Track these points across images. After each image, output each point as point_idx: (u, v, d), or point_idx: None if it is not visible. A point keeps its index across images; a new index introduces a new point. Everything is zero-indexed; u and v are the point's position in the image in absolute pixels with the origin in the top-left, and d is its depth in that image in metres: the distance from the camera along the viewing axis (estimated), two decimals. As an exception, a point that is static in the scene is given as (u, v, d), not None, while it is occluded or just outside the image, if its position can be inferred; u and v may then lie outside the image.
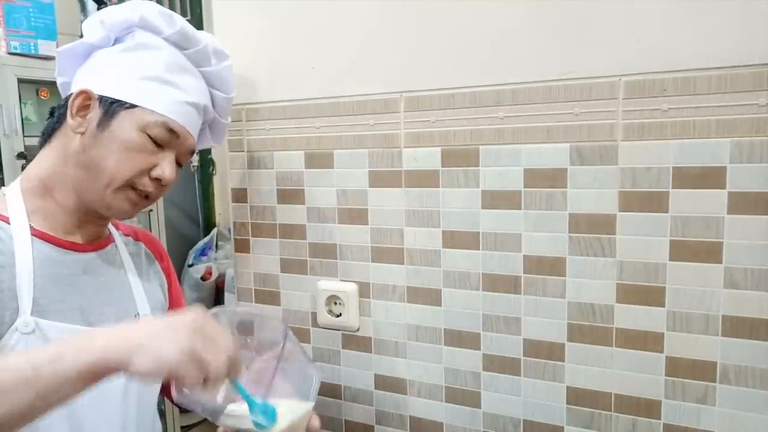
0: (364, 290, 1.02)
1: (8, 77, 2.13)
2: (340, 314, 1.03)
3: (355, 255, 1.02)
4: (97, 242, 0.87)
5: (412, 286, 0.98)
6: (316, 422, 0.80)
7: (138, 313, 0.87)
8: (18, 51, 2.19)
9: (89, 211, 0.82)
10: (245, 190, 1.11)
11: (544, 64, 0.84)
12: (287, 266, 1.09)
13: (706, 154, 0.76)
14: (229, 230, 1.21)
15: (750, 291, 0.76)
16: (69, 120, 0.80)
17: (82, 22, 2.48)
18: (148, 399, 0.88)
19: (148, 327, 0.59)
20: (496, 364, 0.93)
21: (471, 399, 0.95)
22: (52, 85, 2.53)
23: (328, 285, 1.04)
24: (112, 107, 0.79)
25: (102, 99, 0.79)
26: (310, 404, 0.77)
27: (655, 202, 0.80)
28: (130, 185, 0.80)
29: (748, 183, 0.75)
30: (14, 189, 0.82)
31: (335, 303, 1.04)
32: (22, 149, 2.18)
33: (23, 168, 2.20)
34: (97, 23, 0.83)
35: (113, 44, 0.83)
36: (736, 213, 0.76)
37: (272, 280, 1.10)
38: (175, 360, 0.55)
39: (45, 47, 2.28)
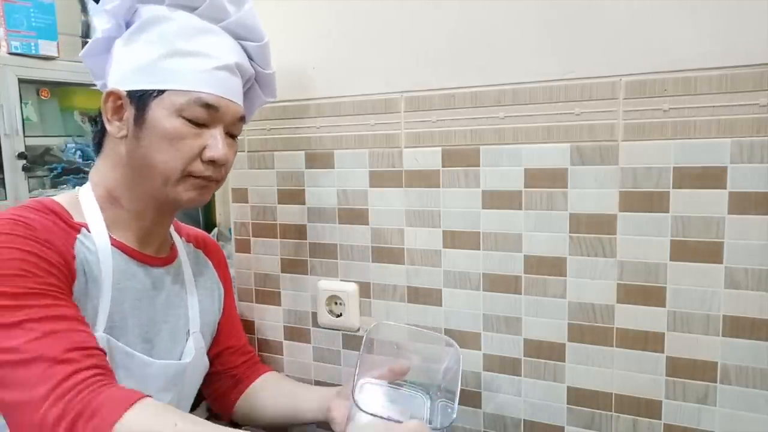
0: (364, 290, 1.02)
1: (9, 77, 2.13)
2: (341, 314, 1.03)
3: (355, 255, 1.02)
4: (167, 255, 0.85)
5: (413, 286, 0.98)
6: None
7: (189, 330, 0.86)
8: (19, 51, 2.19)
9: (161, 209, 0.80)
10: (245, 190, 1.11)
11: (544, 64, 0.84)
12: (287, 266, 1.09)
13: (706, 154, 0.76)
14: (230, 230, 1.21)
15: (751, 291, 0.76)
16: (107, 126, 0.77)
17: (82, 22, 2.48)
18: (186, 404, 0.88)
19: None
20: (497, 364, 0.93)
21: (471, 399, 0.95)
22: (52, 85, 2.55)
23: (328, 285, 1.04)
24: (141, 100, 0.74)
25: (130, 95, 0.75)
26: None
27: (656, 202, 0.80)
28: (188, 174, 0.76)
29: (749, 183, 0.75)
30: (87, 194, 0.79)
31: (336, 303, 1.04)
32: (23, 149, 2.18)
33: (23, 168, 2.21)
34: (101, 13, 0.78)
35: (126, 30, 0.77)
36: (737, 213, 0.76)
37: (272, 280, 1.10)
38: None
39: (46, 47, 2.28)
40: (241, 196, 1.11)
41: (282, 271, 1.09)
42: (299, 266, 1.07)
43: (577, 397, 0.88)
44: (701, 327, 0.79)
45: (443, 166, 0.93)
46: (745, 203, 0.75)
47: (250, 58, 0.84)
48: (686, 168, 0.78)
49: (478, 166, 0.90)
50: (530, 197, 0.87)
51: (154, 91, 0.73)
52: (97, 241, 0.75)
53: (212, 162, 0.76)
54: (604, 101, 0.81)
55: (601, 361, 0.85)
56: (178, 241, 0.90)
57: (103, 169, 0.80)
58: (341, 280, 1.04)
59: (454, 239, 0.93)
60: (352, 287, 1.02)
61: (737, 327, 0.77)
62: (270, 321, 1.12)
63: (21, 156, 2.19)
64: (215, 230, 2.80)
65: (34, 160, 2.25)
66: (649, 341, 0.82)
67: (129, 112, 0.75)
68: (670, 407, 0.82)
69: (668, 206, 0.79)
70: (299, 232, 1.06)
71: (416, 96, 0.93)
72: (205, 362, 0.91)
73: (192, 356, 0.85)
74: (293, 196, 1.06)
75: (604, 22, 0.80)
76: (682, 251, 0.79)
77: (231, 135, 0.80)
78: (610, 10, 0.79)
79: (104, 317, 0.73)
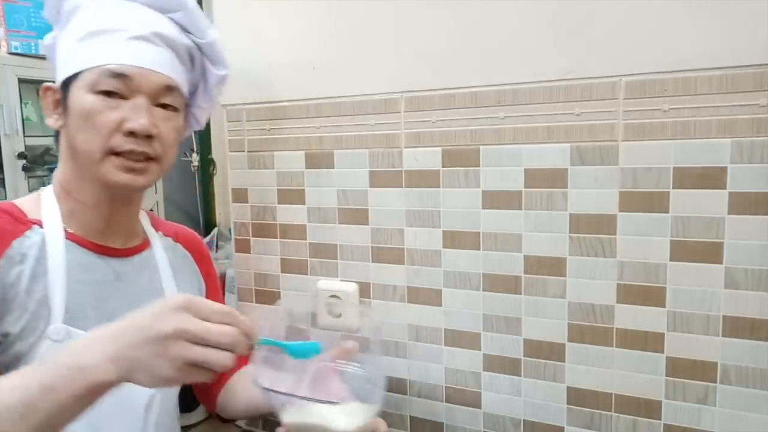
0: (364, 290, 1.02)
1: (9, 77, 2.13)
2: (341, 314, 1.03)
3: (355, 255, 1.02)
4: (133, 246, 0.84)
5: (413, 287, 0.98)
6: (381, 426, 0.74)
7: None
8: (19, 51, 2.19)
9: (108, 197, 0.79)
10: (245, 190, 1.11)
11: (544, 64, 0.84)
12: (287, 266, 1.09)
13: (706, 154, 0.76)
14: (230, 230, 1.21)
15: (750, 291, 0.76)
16: (47, 120, 0.78)
17: (82, 22, 2.48)
18: (169, 403, 0.86)
19: (130, 337, 0.54)
20: (497, 364, 0.93)
21: (471, 399, 0.95)
22: (52, 85, 2.51)
23: (328, 285, 1.04)
24: (66, 88, 0.75)
25: (62, 86, 0.76)
26: (375, 407, 0.73)
27: (656, 203, 0.80)
28: (110, 152, 0.74)
29: (749, 183, 0.75)
30: (49, 192, 0.80)
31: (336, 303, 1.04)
32: (23, 149, 2.18)
33: (23, 168, 2.21)
34: (49, 21, 0.80)
35: None
36: (737, 213, 0.76)
37: (272, 280, 1.10)
38: (173, 375, 0.53)
39: (45, 47, 2.28)
40: (241, 196, 1.11)
41: (282, 271, 1.09)
42: (299, 266, 1.07)
43: (577, 397, 0.88)
44: (701, 327, 0.79)
45: (443, 166, 0.92)
46: (745, 203, 0.75)
47: (186, 30, 0.82)
48: (686, 168, 0.78)
49: (478, 166, 0.90)
50: (530, 197, 0.87)
51: (73, 75, 0.74)
52: (49, 237, 0.75)
53: (133, 134, 0.73)
54: (604, 101, 0.81)
55: (601, 361, 0.85)
56: (153, 235, 0.89)
57: (59, 164, 0.81)
58: (341, 280, 1.04)
59: (454, 239, 0.93)
60: (351, 287, 1.02)
61: (737, 327, 0.77)
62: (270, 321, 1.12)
63: (21, 156, 2.19)
64: (215, 230, 2.81)
65: (34, 160, 2.24)
66: (649, 341, 0.82)
67: (62, 104, 0.76)
68: (669, 407, 0.82)
69: (668, 206, 0.79)
70: (299, 232, 1.06)
71: (416, 96, 0.93)
72: None
73: None
74: (293, 196, 1.06)
75: (604, 22, 0.80)
76: (682, 251, 0.79)
77: (164, 106, 0.77)
78: (611, 10, 0.79)
79: (60, 310, 0.72)
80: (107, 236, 0.81)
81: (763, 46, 0.72)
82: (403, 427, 1.02)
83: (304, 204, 1.05)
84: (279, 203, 1.08)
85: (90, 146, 0.73)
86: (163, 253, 0.89)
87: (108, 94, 0.73)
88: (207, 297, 0.94)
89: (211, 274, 0.98)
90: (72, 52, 0.75)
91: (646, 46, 0.78)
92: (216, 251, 2.77)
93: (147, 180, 0.77)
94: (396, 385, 1.01)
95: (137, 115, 0.73)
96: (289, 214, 1.07)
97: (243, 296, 1.14)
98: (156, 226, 0.92)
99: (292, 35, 1.02)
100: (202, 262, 0.96)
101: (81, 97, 0.73)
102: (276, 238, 1.09)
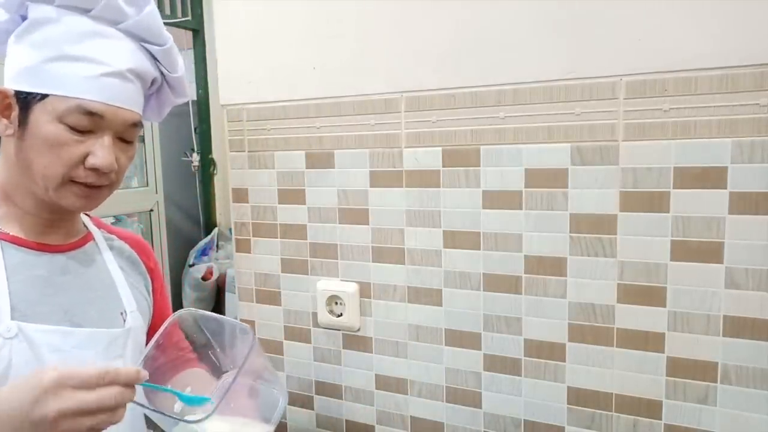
0: (364, 290, 1.02)
1: (9, 77, 2.13)
2: (341, 314, 1.03)
3: (355, 255, 1.02)
4: (74, 241, 0.83)
5: (413, 286, 0.98)
6: None
7: (125, 311, 0.84)
8: (19, 51, 2.19)
9: (52, 210, 0.78)
10: (246, 190, 1.11)
11: (545, 64, 0.84)
12: (288, 266, 1.09)
13: (707, 154, 0.76)
14: (230, 230, 1.21)
15: (751, 291, 0.76)
16: None
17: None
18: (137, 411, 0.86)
19: (14, 424, 0.58)
20: (497, 364, 0.93)
21: (472, 399, 0.95)
22: (52, 85, 2.50)
23: (328, 285, 1.04)
24: (25, 102, 0.72)
25: (17, 95, 0.72)
26: (270, 428, 0.74)
27: (656, 202, 0.80)
28: (69, 180, 0.73)
29: (749, 183, 0.75)
30: None
31: (336, 303, 1.04)
32: (23, 149, 2.19)
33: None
34: None
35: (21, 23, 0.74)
36: (737, 213, 0.76)
37: (273, 280, 1.10)
38: None
39: (46, 47, 2.28)
40: (241, 196, 1.11)
41: (282, 271, 1.09)
42: (299, 266, 1.07)
43: (577, 397, 0.88)
44: (701, 327, 0.79)
45: (443, 166, 0.92)
46: (745, 203, 0.75)
47: (156, 59, 0.81)
48: (686, 168, 0.78)
49: (479, 166, 0.90)
50: (530, 197, 0.87)
51: (38, 94, 0.71)
52: None
53: (95, 169, 0.73)
54: (604, 101, 0.81)
55: (602, 361, 0.85)
56: (95, 231, 0.89)
57: (0, 169, 0.79)
58: (341, 280, 1.04)
59: (454, 239, 0.93)
60: (352, 287, 1.02)
61: (737, 327, 0.77)
62: (270, 321, 1.12)
63: (21, 156, 2.19)
64: (215, 230, 2.81)
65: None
66: (650, 341, 0.82)
67: (15, 112, 0.73)
68: (670, 407, 0.82)
69: (668, 206, 0.79)
70: (299, 232, 1.06)
71: (416, 96, 0.93)
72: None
73: (128, 327, 0.83)
74: (293, 196, 1.06)
75: (604, 22, 0.80)
76: (682, 251, 0.79)
77: (124, 140, 0.77)
78: (611, 10, 0.79)
79: (6, 309, 0.72)
80: (45, 235, 0.80)
81: (763, 46, 0.72)
82: (403, 427, 1.02)
83: (304, 204, 1.05)
84: (279, 203, 1.08)
85: (50, 173, 0.73)
86: (106, 247, 0.88)
87: (74, 127, 0.72)
88: (153, 291, 0.94)
89: (157, 273, 0.97)
90: (37, 69, 0.72)
91: (646, 46, 0.78)
92: (216, 251, 2.78)
93: (98, 203, 0.79)
94: (396, 385, 1.01)
95: (102, 152, 0.73)
96: (289, 214, 1.07)
97: (243, 296, 1.14)
98: (98, 225, 0.92)
99: (292, 35, 1.02)
100: (149, 260, 0.95)
101: (46, 124, 0.72)
102: (276, 238, 1.09)
